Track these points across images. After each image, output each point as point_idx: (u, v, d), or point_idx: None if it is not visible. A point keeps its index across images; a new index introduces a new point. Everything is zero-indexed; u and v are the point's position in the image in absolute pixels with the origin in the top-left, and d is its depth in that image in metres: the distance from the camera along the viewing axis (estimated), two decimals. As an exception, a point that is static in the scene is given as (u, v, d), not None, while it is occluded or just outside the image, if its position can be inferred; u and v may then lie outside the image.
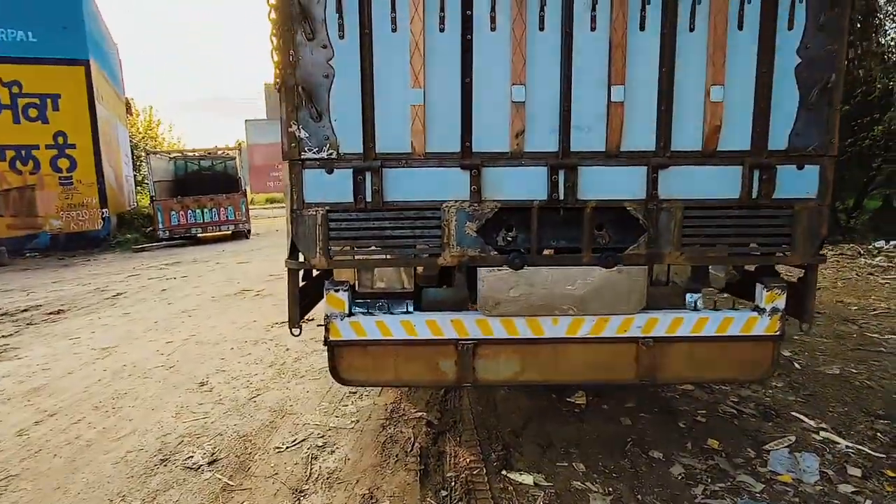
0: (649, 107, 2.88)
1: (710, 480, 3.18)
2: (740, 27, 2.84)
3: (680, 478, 3.21)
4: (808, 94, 2.88)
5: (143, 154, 22.47)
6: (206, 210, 18.18)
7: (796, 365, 4.96)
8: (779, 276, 3.20)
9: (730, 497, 3.01)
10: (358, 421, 3.94)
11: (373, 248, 2.97)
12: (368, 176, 2.89)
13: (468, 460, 3.41)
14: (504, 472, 3.26)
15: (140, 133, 32.78)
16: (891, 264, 9.14)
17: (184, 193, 18.42)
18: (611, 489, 3.09)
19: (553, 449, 3.54)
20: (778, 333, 3.11)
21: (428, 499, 3.03)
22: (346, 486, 3.15)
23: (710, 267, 3.53)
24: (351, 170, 2.88)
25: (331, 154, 2.88)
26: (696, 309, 3.19)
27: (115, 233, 17.93)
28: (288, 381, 4.73)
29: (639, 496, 3.02)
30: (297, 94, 2.83)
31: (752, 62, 2.86)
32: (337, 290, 3.05)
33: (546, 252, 3.11)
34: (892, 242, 11.19)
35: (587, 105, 2.87)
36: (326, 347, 3.09)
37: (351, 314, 3.08)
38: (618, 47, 2.80)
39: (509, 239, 3.11)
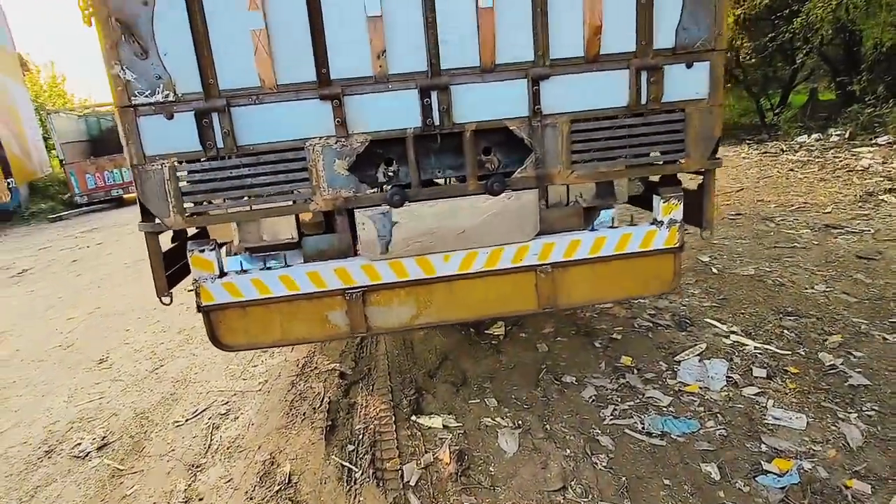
0: (523, 11, 2.57)
1: (619, 400, 3.14)
2: None
3: (591, 400, 3.16)
4: (694, -17, 2.64)
5: (43, 115, 20.62)
6: (125, 169, 16.98)
7: (714, 269, 4.99)
8: (676, 186, 3.05)
9: (637, 415, 2.98)
10: (266, 381, 3.74)
11: (233, 199, 2.65)
12: (216, 118, 2.52)
13: (378, 409, 3.27)
14: (414, 418, 3.14)
15: (45, 92, 30.06)
16: (810, 158, 9.33)
17: (99, 154, 17.12)
18: (520, 422, 3.02)
19: (467, 387, 3.44)
20: (677, 245, 3.00)
21: (333, 455, 2.89)
22: (247, 454, 2.98)
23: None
24: (192, 112, 2.50)
25: (167, 96, 2.49)
26: (612, 227, 3.02)
27: (27, 204, 16.66)
28: (195, 348, 4.46)
29: (547, 426, 2.96)
30: (113, 28, 2.39)
31: (629, -50, 2.57)
32: (202, 251, 2.73)
33: (439, 183, 2.86)
34: (813, 136, 11.44)
35: (454, 15, 2.55)
36: (201, 314, 2.81)
37: (223, 274, 2.79)
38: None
39: (391, 174, 2.83)
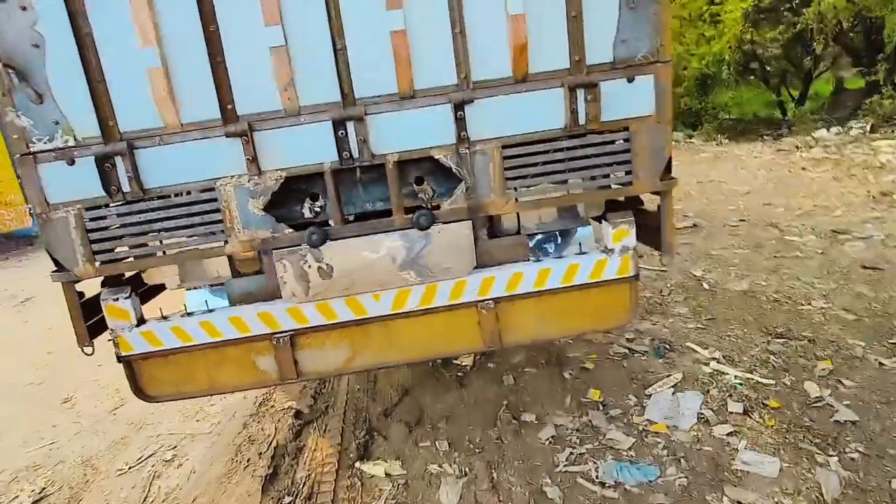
0: (441, 32, 2.38)
1: (578, 442, 2.91)
2: None
3: (548, 442, 2.93)
4: (629, -9, 2.40)
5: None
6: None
7: (705, 285, 4.68)
8: (628, 210, 2.81)
9: (594, 460, 2.74)
10: (219, 423, 3.60)
11: (146, 245, 2.51)
12: (119, 161, 2.39)
13: (325, 454, 3.10)
14: (358, 465, 2.95)
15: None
16: (826, 155, 8.85)
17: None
18: (467, 469, 2.80)
19: (421, 426, 3.24)
20: (632, 274, 2.75)
21: (267, 510, 2.73)
22: (181, 508, 2.83)
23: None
24: (93, 157, 2.37)
25: (66, 141, 2.36)
26: (560, 257, 2.79)
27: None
28: (161, 383, 4.35)
29: (494, 474, 2.74)
30: (6, 74, 2.28)
31: (554, -42, 2.35)
32: (117, 300, 2.60)
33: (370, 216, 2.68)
34: (833, 130, 10.89)
35: (365, 40, 2.37)
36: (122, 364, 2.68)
37: (142, 322, 2.65)
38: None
39: (317, 209, 2.66)
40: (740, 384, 3.21)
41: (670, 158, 2.61)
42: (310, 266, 2.57)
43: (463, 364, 3.87)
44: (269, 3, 2.27)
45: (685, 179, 8.84)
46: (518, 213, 2.88)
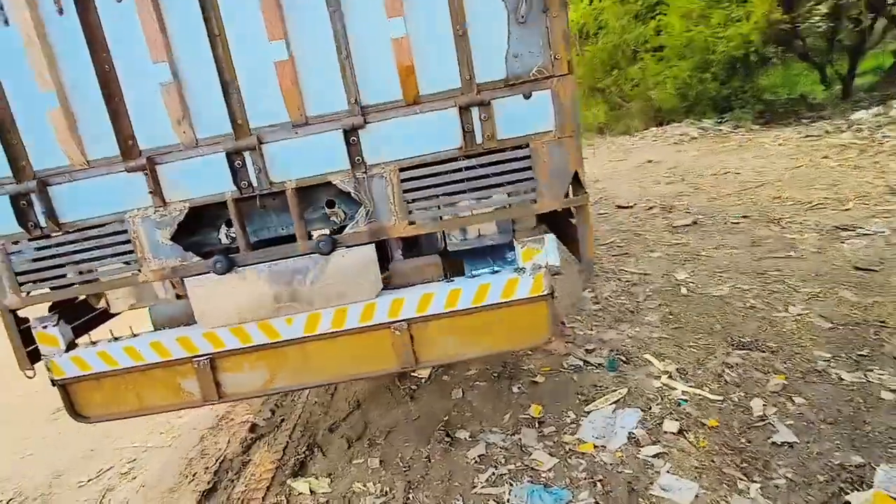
0: (326, 59, 2.38)
1: (503, 461, 2.87)
2: None
3: (474, 461, 2.90)
4: (517, 5, 2.34)
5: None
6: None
7: (683, 290, 4.50)
8: (536, 227, 2.73)
9: (511, 482, 2.70)
10: (179, 435, 3.75)
11: (67, 276, 2.64)
12: (35, 199, 2.52)
13: (265, 469, 3.18)
14: (289, 482, 3.01)
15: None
16: (854, 140, 8.28)
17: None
18: (388, 489, 2.81)
19: (361, 442, 3.27)
20: (545, 293, 2.68)
21: (196, 526, 2.83)
22: (122, 522, 2.97)
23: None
24: (7, 196, 2.51)
25: (-17, 181, 2.52)
26: (495, 272, 2.75)
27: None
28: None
29: (411, 495, 2.74)
30: (-75, 121, 2.45)
31: (434, -22, 2.31)
32: (45, 327, 2.75)
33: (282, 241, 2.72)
34: (872, 110, 10.16)
35: (253, 71, 2.40)
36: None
37: (71, 347, 2.79)
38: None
39: (233, 236, 2.73)
40: (685, 401, 3.08)
41: (576, 173, 2.52)
42: (216, 292, 2.64)
43: (419, 377, 3.88)
44: (155, 42, 2.33)
45: (699, 171, 8.51)
46: (444, 231, 2.88)
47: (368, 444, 3.24)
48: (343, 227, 2.60)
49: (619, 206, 7.47)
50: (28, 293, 2.66)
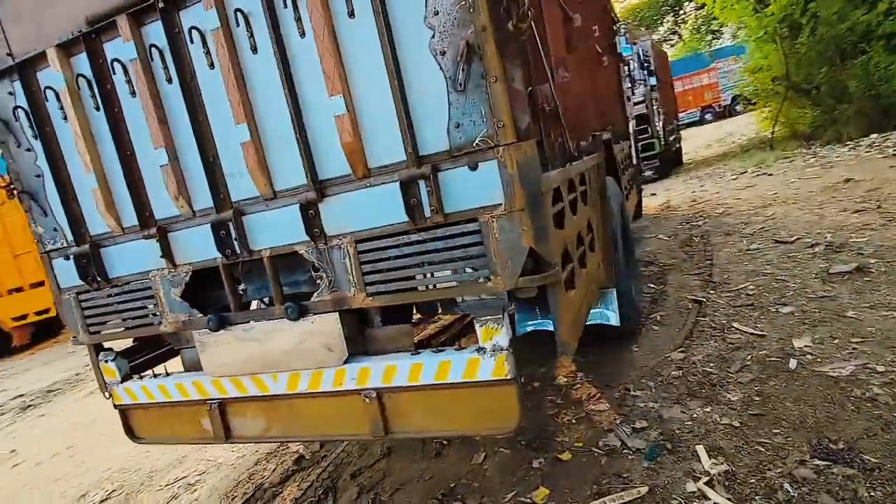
0: (285, 136, 2.49)
1: (475, 551, 2.65)
2: (351, 14, 2.26)
3: (450, 544, 2.74)
4: (455, 73, 2.17)
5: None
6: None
7: (792, 363, 3.63)
8: (500, 304, 2.45)
9: (466, 578, 2.49)
10: (244, 455, 4.18)
11: (116, 321, 3.15)
12: (91, 258, 3.07)
13: (283, 506, 3.40)
14: (291, 525, 3.18)
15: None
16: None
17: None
18: (359, 555, 2.80)
19: (370, 494, 3.30)
20: (508, 377, 2.41)
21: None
22: (166, 532, 3.44)
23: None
24: (71, 256, 3.09)
25: (62, 244, 3.13)
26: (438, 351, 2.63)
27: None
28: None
29: (372, 568, 2.69)
30: (25, 197, 3.14)
31: (374, 53, 2.25)
32: (107, 361, 3.31)
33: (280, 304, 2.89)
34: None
35: (228, 149, 2.62)
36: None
37: (127, 379, 3.32)
38: (232, 85, 2.47)
39: (240, 294, 3.00)
40: (713, 518, 2.51)
41: (531, 250, 2.23)
42: (212, 346, 2.91)
43: (455, 431, 3.76)
44: (154, 128, 2.67)
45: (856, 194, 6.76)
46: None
47: (374, 496, 3.26)
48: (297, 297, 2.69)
49: (778, 241, 6.30)
50: (93, 333, 3.23)
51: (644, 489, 2.77)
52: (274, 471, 3.85)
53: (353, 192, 2.45)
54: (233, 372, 2.94)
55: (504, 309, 2.38)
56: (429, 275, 2.42)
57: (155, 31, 2.59)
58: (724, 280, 5.49)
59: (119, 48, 2.66)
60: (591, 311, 3.84)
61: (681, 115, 36.76)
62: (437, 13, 2.14)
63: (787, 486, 2.60)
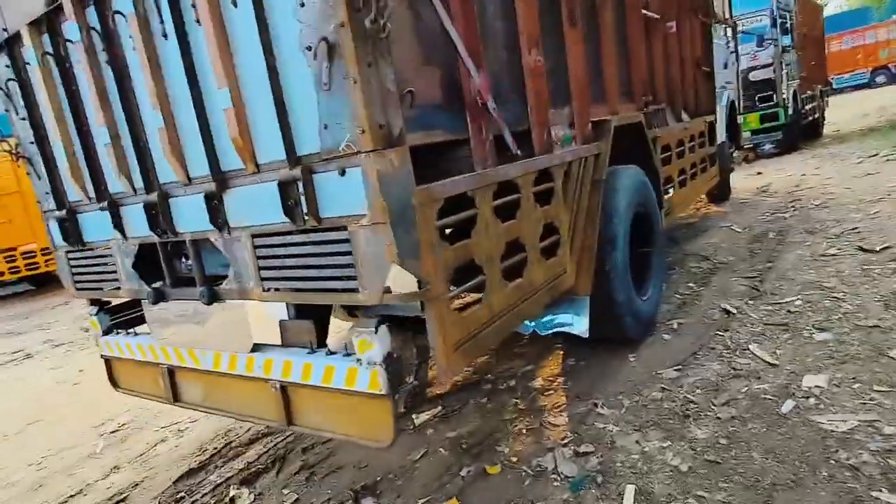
0: (192, 126, 2.48)
1: (359, 553, 2.64)
2: (234, 3, 2.16)
3: (343, 539, 2.76)
4: (320, 71, 2.01)
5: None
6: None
7: (787, 406, 3.11)
8: (374, 317, 2.30)
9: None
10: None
11: (93, 280, 3.43)
12: (70, 222, 3.32)
13: (239, 469, 3.60)
14: (233, 488, 3.36)
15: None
16: None
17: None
18: (264, 532, 2.91)
19: (306, 471, 3.40)
20: (382, 392, 2.30)
21: None
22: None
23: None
24: (56, 220, 3.38)
25: (52, 206, 3.42)
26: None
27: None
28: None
29: (265, 548, 2.78)
30: (25, 161, 3.46)
31: (255, 45, 2.15)
32: (91, 315, 3.63)
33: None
34: None
35: (152, 135, 2.68)
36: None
37: (108, 332, 3.62)
38: (147, 71, 2.49)
39: (189, 267, 3.12)
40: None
41: (395, 267, 2.07)
42: (158, 317, 3.08)
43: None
44: (97, 111, 2.79)
45: None
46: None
47: (308, 476, 3.35)
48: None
49: (861, 249, 5.36)
50: (78, 289, 3.55)
51: (539, 527, 2.57)
52: (248, 431, 4.07)
53: (248, 186, 2.41)
54: (173, 343, 3.10)
55: (376, 326, 2.25)
56: (313, 278, 2.35)
57: (91, 14, 2.66)
58: (774, 290, 4.81)
59: (71, 29, 2.77)
60: (553, 317, 3.56)
61: (845, 76, 32.14)
62: (303, 5, 1.98)
63: (696, 554, 2.28)
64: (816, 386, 3.26)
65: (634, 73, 4.63)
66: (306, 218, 2.22)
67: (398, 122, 2.04)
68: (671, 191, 5.55)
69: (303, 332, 2.70)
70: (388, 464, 3.31)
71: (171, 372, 3.26)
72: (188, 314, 2.94)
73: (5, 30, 3.12)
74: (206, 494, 3.39)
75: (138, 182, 2.84)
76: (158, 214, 2.78)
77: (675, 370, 3.74)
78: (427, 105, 2.34)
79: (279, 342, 2.77)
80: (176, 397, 3.30)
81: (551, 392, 3.79)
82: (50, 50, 2.92)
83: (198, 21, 2.28)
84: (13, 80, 3.20)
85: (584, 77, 3.56)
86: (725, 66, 8.43)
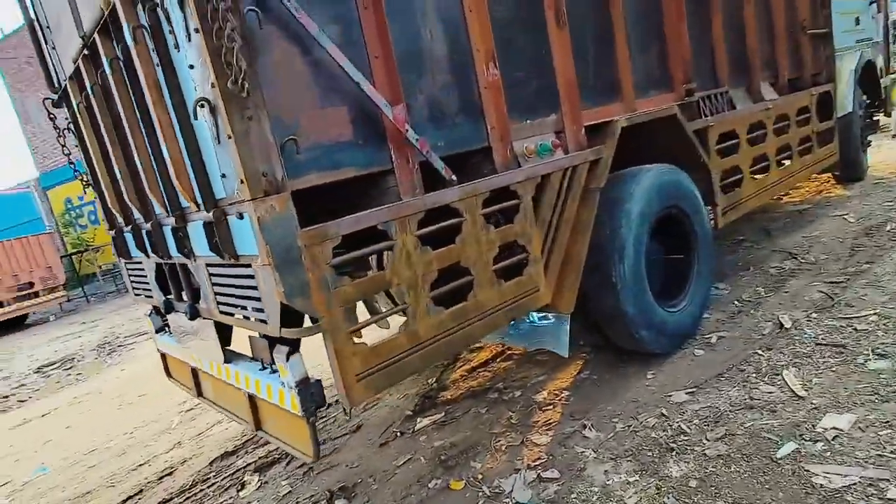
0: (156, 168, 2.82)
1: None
2: (177, 47, 2.39)
3: (306, 537, 3.01)
4: (210, 126, 2.20)
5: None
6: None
7: (785, 449, 2.72)
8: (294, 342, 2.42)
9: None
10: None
11: (141, 288, 4.03)
12: (120, 239, 3.93)
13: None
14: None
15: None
16: None
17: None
18: (250, 520, 3.26)
19: (286, 472, 3.71)
20: (300, 414, 2.45)
21: None
22: None
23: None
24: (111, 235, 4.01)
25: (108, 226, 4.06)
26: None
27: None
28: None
29: (243, 536, 3.12)
30: (91, 188, 4.13)
31: (173, 104, 2.39)
32: (147, 315, 4.25)
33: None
34: None
35: (148, 171, 3.05)
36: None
37: (160, 331, 4.22)
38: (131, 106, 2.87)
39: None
40: None
41: (286, 306, 2.21)
42: (175, 324, 3.55)
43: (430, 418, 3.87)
44: (116, 149, 3.25)
45: None
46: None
47: (305, 471, 3.66)
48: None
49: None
50: (136, 294, 4.18)
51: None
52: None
53: (195, 222, 2.68)
54: (186, 346, 3.55)
55: (287, 354, 2.41)
56: (242, 307, 2.57)
57: (91, 72, 3.09)
58: (852, 299, 4.11)
59: (85, 84, 3.24)
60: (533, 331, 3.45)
61: None
62: (192, 67, 2.16)
63: None
64: (834, 427, 2.80)
65: (672, 56, 4.17)
66: (225, 255, 2.43)
67: (279, 171, 2.15)
68: (743, 182, 4.92)
69: (260, 349, 2.94)
70: (375, 467, 3.50)
71: (195, 370, 3.75)
72: (192, 325, 3.35)
73: (61, 82, 3.73)
74: (226, 477, 3.87)
75: (144, 211, 3.27)
76: (159, 240, 3.19)
77: (687, 393, 3.42)
78: (332, 144, 2.40)
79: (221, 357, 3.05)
80: (199, 392, 3.78)
81: (549, 407, 3.68)
82: (82, 100, 3.44)
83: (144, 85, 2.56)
84: (68, 119, 3.83)
85: (573, 79, 3.32)
86: (857, 22, 7.13)
